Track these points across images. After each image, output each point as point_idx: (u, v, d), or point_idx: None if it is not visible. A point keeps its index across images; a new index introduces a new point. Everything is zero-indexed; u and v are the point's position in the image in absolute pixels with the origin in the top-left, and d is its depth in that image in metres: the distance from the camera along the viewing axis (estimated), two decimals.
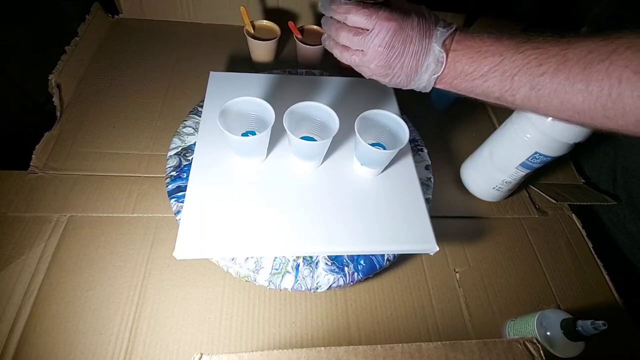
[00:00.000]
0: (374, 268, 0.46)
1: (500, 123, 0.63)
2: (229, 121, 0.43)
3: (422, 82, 0.37)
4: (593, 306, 0.54)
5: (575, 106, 0.31)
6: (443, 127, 0.71)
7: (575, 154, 0.56)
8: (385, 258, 0.47)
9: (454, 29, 0.35)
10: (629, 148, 0.60)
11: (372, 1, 0.36)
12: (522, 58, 0.32)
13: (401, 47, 0.35)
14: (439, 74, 0.36)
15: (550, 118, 0.46)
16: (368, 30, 0.35)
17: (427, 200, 0.46)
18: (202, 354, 0.30)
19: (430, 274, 0.53)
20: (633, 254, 0.60)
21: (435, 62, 0.35)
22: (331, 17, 0.38)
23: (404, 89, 0.40)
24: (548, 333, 0.43)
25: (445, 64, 0.35)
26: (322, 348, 0.31)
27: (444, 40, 0.35)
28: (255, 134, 0.44)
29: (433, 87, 0.38)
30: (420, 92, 0.39)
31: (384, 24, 0.34)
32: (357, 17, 0.35)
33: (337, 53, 0.39)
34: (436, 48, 0.35)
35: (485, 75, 0.34)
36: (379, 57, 0.36)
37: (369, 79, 0.40)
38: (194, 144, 0.51)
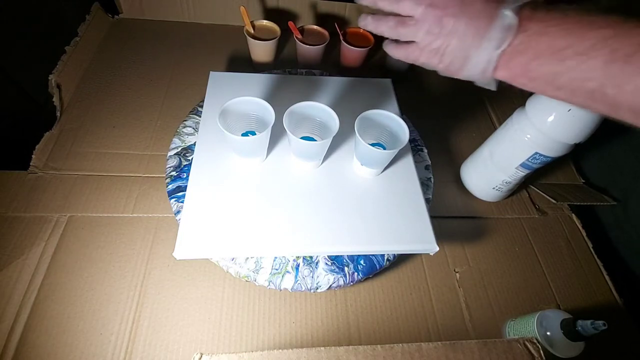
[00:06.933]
0: (374, 268, 0.46)
1: (500, 123, 0.63)
2: (229, 121, 0.43)
3: (479, 64, 0.28)
4: (593, 306, 0.54)
5: None
6: (443, 127, 0.71)
7: (575, 154, 0.56)
8: (385, 258, 0.47)
9: None
10: (625, 149, 0.60)
11: None
12: None
13: (459, 5, 0.28)
14: (504, 48, 0.27)
15: (551, 118, 0.46)
16: None
17: (427, 200, 0.46)
18: (202, 354, 0.30)
19: (430, 274, 0.53)
20: (627, 254, 0.60)
21: (503, 30, 0.26)
22: None
23: (457, 76, 0.32)
24: (548, 333, 0.43)
25: (517, 33, 0.26)
26: (322, 348, 0.31)
27: (520, 8, 0.26)
28: (255, 134, 0.44)
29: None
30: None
31: None
32: None
33: (387, 27, 0.32)
34: (507, 13, 0.26)
35: (585, 53, 0.24)
36: (431, 20, 0.29)
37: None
38: (194, 144, 0.51)
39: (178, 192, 0.48)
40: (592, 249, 0.59)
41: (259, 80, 0.55)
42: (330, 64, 0.76)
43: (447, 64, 0.30)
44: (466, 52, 0.29)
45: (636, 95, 0.23)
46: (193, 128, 0.55)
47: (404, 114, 0.56)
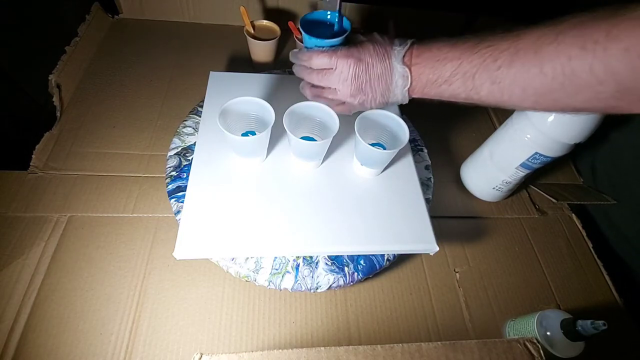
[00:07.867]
0: (374, 268, 0.46)
1: (500, 123, 0.63)
2: (229, 121, 0.43)
3: (398, 96, 0.41)
4: (593, 306, 0.54)
5: (536, 90, 0.32)
6: (443, 127, 0.71)
7: (575, 154, 0.56)
8: (385, 258, 0.47)
9: (409, 44, 0.39)
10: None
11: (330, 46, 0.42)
12: (478, 57, 0.34)
13: (365, 74, 0.40)
14: (408, 87, 0.39)
15: (551, 118, 0.46)
16: (332, 69, 0.41)
17: (427, 200, 0.46)
18: (202, 354, 0.30)
19: (430, 274, 0.53)
20: (624, 253, 0.60)
21: (402, 78, 0.39)
22: (300, 65, 0.44)
23: (386, 107, 0.43)
24: (548, 333, 0.43)
25: (411, 78, 0.39)
26: (322, 348, 0.31)
27: (403, 57, 0.39)
28: (255, 134, 0.44)
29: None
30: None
31: (343, 60, 0.39)
32: (320, 60, 0.41)
33: (314, 98, 0.44)
34: (398, 66, 0.39)
35: (448, 80, 0.37)
36: (350, 88, 0.41)
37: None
38: (194, 144, 0.51)
39: (178, 192, 0.48)
40: (592, 249, 0.59)
41: (259, 80, 0.55)
42: None
43: (372, 107, 0.43)
44: (384, 97, 0.41)
45: (489, 97, 0.35)
46: (193, 128, 0.55)
47: (404, 114, 0.56)
